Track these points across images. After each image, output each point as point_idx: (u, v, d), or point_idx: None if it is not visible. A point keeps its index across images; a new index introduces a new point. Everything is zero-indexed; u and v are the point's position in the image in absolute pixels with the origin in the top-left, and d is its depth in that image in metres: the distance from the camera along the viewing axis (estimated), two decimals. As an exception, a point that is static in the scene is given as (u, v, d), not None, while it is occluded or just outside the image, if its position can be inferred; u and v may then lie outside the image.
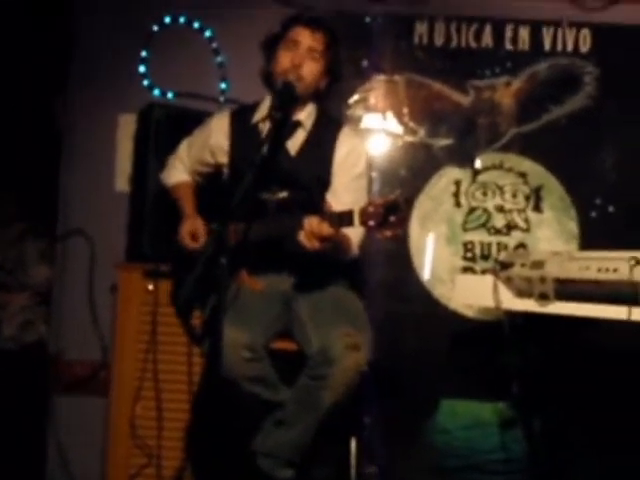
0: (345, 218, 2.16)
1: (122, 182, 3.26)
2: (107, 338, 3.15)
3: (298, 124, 2.51)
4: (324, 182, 2.48)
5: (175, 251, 2.58)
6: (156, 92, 3.29)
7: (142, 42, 3.29)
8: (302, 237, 2.20)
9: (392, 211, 2.07)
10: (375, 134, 3.29)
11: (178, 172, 2.68)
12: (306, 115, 2.52)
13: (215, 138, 2.57)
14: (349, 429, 2.62)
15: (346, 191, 2.41)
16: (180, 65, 3.29)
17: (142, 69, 3.30)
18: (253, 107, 2.57)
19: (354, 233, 2.35)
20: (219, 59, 3.32)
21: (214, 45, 3.32)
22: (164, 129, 2.96)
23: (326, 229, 2.15)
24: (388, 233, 2.10)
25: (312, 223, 2.17)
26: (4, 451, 2.86)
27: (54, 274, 3.25)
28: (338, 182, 2.47)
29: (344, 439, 2.61)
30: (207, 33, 3.32)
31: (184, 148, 2.68)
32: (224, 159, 2.56)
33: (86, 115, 3.30)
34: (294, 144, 2.51)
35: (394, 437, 3.08)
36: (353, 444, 2.60)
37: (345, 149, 2.50)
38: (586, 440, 2.76)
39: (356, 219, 2.13)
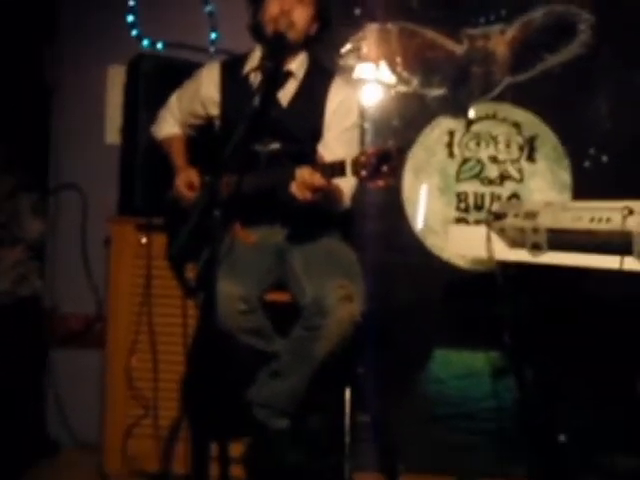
0: (337, 168, 2.15)
1: (112, 135, 3.23)
2: (101, 291, 3.16)
3: (289, 74, 2.48)
4: (316, 133, 2.46)
5: (168, 204, 2.57)
6: (145, 42, 3.24)
7: (130, -9, 3.23)
8: (294, 188, 2.19)
9: (384, 161, 2.06)
10: (368, 84, 3.25)
11: (169, 125, 2.65)
12: (298, 65, 2.49)
13: (206, 89, 2.54)
14: (343, 379, 2.64)
15: (338, 142, 2.40)
16: (169, 15, 3.24)
17: (131, 18, 3.24)
18: (243, 57, 2.53)
19: (346, 184, 2.34)
20: (209, 8, 3.26)
21: (204, -6, 3.26)
22: (154, 80, 2.92)
23: (318, 179, 2.14)
24: (381, 183, 2.09)
25: (304, 174, 2.16)
26: (3, 406, 2.88)
27: (47, 228, 3.24)
28: (330, 133, 2.45)
29: (338, 389, 2.64)
30: (196, -19, 3.26)
31: (175, 100, 2.65)
32: (215, 111, 2.54)
33: (75, 66, 3.26)
34: (285, 95, 2.48)
35: (388, 387, 3.11)
36: (347, 394, 2.63)
37: (337, 100, 2.48)
38: (578, 390, 2.80)
39: (348, 169, 2.12)
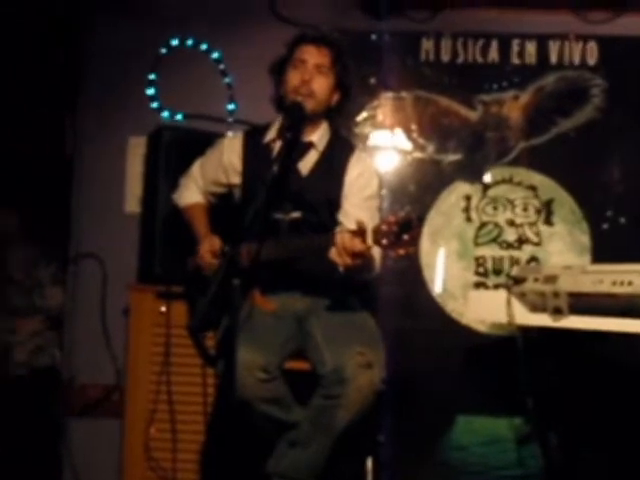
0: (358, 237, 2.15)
1: (132, 204, 3.28)
2: (120, 361, 3.15)
3: (310, 145, 2.52)
4: (334, 203, 2.48)
5: (189, 272, 2.58)
6: (165, 114, 3.31)
7: (150, 65, 3.31)
8: (333, 254, 2.20)
9: (405, 229, 2.07)
10: (384, 151, 3.29)
11: (191, 193, 2.68)
12: (319, 137, 2.53)
13: (228, 157, 2.58)
14: (365, 448, 2.60)
15: (358, 211, 2.40)
16: (188, 87, 3.32)
17: (151, 92, 3.32)
18: (265, 127, 2.58)
19: (376, 252, 2.34)
20: (227, 80, 3.34)
21: (221, 66, 3.34)
22: (173, 151, 2.97)
23: (358, 245, 2.14)
24: (401, 251, 2.09)
25: (344, 239, 2.17)
26: (20, 477, 2.85)
27: (67, 297, 3.26)
28: (349, 203, 2.47)
29: (360, 458, 2.59)
30: (214, 55, 3.34)
31: (197, 168, 2.68)
32: (236, 179, 2.57)
33: (96, 138, 3.33)
34: (306, 165, 2.51)
35: (410, 455, 3.06)
36: (369, 463, 2.59)
37: (357, 171, 2.50)
38: (602, 455, 2.74)
39: (369, 238, 2.13)
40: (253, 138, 2.57)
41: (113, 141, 3.32)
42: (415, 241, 2.09)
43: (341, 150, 2.54)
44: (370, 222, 2.17)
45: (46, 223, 3.19)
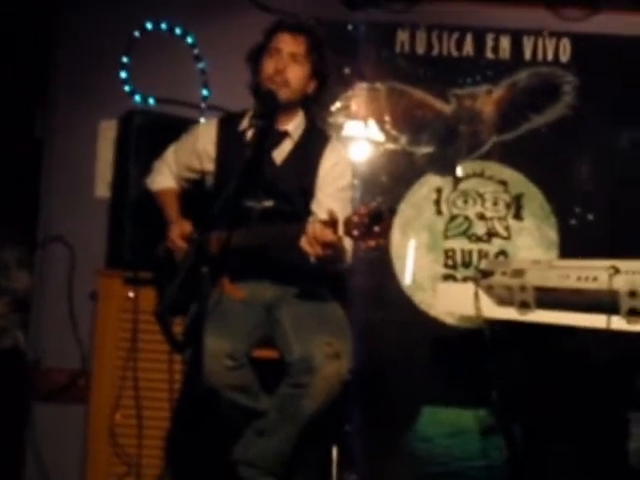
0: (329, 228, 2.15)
1: (102, 188, 3.25)
2: (87, 345, 3.13)
3: (285, 134, 2.51)
4: (307, 193, 2.48)
5: (159, 257, 2.57)
6: (137, 98, 3.28)
7: (123, 48, 3.27)
8: (304, 243, 2.20)
9: (376, 221, 2.07)
10: (357, 142, 3.29)
11: (164, 177, 2.66)
12: (294, 126, 2.53)
13: (202, 143, 2.57)
14: (330, 437, 2.61)
15: (332, 201, 2.39)
16: (161, 71, 3.28)
17: (123, 75, 3.28)
18: (241, 115, 2.57)
19: (347, 242, 2.34)
20: (200, 66, 3.31)
21: (196, 51, 3.31)
22: (145, 135, 2.95)
23: (329, 235, 2.14)
24: (372, 243, 2.09)
25: (315, 228, 2.17)
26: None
27: (34, 281, 3.23)
28: (323, 193, 2.47)
29: (325, 447, 2.60)
30: (189, 39, 3.31)
31: (171, 153, 2.66)
32: (210, 166, 2.56)
33: (67, 121, 3.28)
34: (280, 154, 2.51)
35: (375, 445, 3.08)
36: (334, 452, 2.60)
37: (331, 161, 2.50)
38: (565, 447, 2.78)
39: (340, 229, 2.13)
40: (228, 125, 2.56)
41: (84, 124, 3.28)
42: (386, 233, 2.09)
43: (316, 140, 2.54)
44: (342, 213, 2.17)
45: (14, 206, 3.15)
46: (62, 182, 3.27)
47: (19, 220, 3.20)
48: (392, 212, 2.10)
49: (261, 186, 2.45)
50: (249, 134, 2.49)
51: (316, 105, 2.63)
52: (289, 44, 2.47)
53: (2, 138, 3.10)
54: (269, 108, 2.39)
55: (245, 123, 2.53)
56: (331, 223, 2.15)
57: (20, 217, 3.20)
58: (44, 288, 3.26)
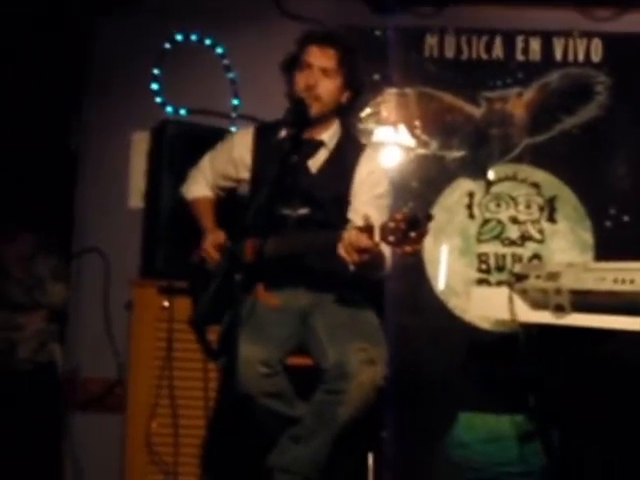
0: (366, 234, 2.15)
1: (136, 199, 3.28)
2: (123, 355, 3.16)
3: (321, 143, 2.52)
4: (343, 201, 2.48)
5: (193, 266, 2.58)
6: (169, 109, 3.31)
7: (154, 60, 3.31)
8: (341, 250, 2.20)
9: (412, 227, 2.06)
10: (387, 147, 3.29)
11: (199, 186, 2.68)
12: (330, 135, 2.54)
13: (238, 152, 2.58)
14: (366, 444, 2.61)
15: (368, 209, 2.36)
16: (192, 82, 3.32)
17: (155, 87, 3.32)
18: (277, 124, 2.57)
19: (386, 250, 2.34)
20: (231, 75, 3.34)
21: (225, 62, 3.34)
22: (177, 146, 2.97)
23: (365, 241, 2.14)
24: (408, 249, 2.08)
25: (351, 235, 2.17)
26: (22, 471, 2.86)
27: (69, 292, 3.26)
28: (359, 200, 2.46)
29: (362, 454, 2.60)
30: (218, 50, 3.34)
31: (207, 162, 2.68)
32: (246, 174, 2.57)
33: (100, 133, 3.33)
34: (315, 162, 2.52)
35: (412, 451, 3.06)
36: (370, 459, 2.59)
37: (367, 169, 2.51)
38: (604, 453, 2.74)
39: (377, 235, 2.12)
40: (264, 134, 2.57)
41: (117, 136, 3.32)
42: (422, 239, 2.08)
43: (352, 148, 2.55)
44: (379, 220, 2.16)
45: (49, 217, 3.19)
46: (96, 193, 3.31)
47: (54, 231, 3.24)
48: (429, 218, 2.09)
49: (297, 194, 2.46)
50: (284, 143, 2.50)
51: (351, 114, 2.63)
52: (319, 58, 2.47)
53: (38, 150, 3.15)
54: (300, 117, 2.40)
55: (282, 133, 2.54)
56: (367, 229, 2.14)
57: (55, 228, 3.24)
58: (80, 299, 3.30)
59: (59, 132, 3.26)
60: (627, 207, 3.22)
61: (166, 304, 2.90)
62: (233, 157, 2.59)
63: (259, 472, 2.37)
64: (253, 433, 2.33)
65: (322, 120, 2.50)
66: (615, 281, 2.14)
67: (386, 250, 2.32)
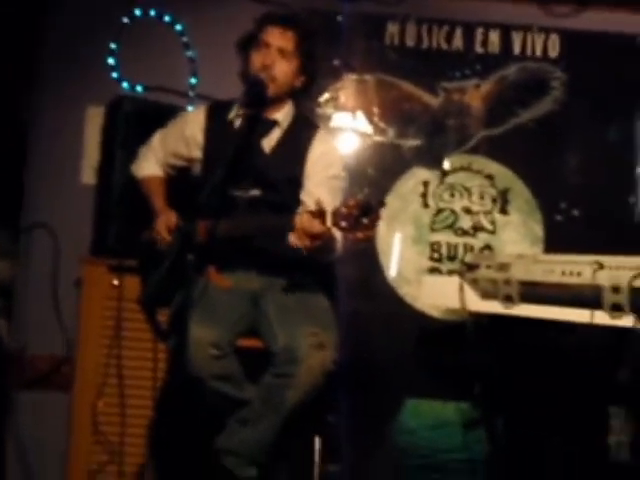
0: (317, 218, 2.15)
1: (89, 175, 3.23)
2: (71, 333, 3.12)
3: (274, 123, 2.51)
4: (296, 182, 2.47)
5: (144, 245, 2.56)
6: (125, 85, 3.26)
7: (112, 34, 3.25)
8: (293, 236, 2.19)
9: (365, 213, 2.07)
10: (344, 133, 3.29)
11: (150, 164, 2.64)
12: (283, 115, 2.52)
13: (191, 130, 2.55)
14: (313, 428, 2.62)
15: (321, 190, 2.37)
16: (150, 59, 3.27)
17: (111, 61, 3.26)
18: (230, 103, 2.55)
19: (337, 233, 2.34)
20: (189, 54, 3.30)
21: (184, 39, 3.30)
22: (132, 122, 2.93)
23: (317, 226, 2.14)
24: (360, 235, 2.09)
25: (303, 220, 2.16)
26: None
27: (17, 268, 3.21)
28: (312, 182, 2.46)
29: (308, 438, 2.61)
30: (178, 27, 3.30)
31: (158, 139, 2.64)
32: (197, 153, 2.55)
33: (54, 105, 3.26)
34: (269, 143, 2.50)
35: (358, 436, 3.09)
36: (317, 443, 2.60)
37: (320, 150, 2.50)
38: (547, 441, 2.79)
39: (328, 220, 2.12)
40: (217, 113, 2.55)
41: (72, 110, 3.26)
42: (374, 225, 2.09)
43: (305, 129, 2.53)
44: (333, 202, 2.17)
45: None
46: (48, 168, 3.25)
47: (2, 206, 3.18)
48: (381, 205, 2.10)
49: (249, 175, 2.44)
50: (237, 123, 2.48)
51: (305, 97, 2.62)
52: (278, 39, 2.45)
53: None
54: (258, 97, 2.38)
55: (234, 112, 2.52)
56: (319, 214, 2.14)
57: (3, 203, 3.18)
58: (28, 275, 3.24)
59: (9, 104, 3.19)
60: (577, 201, 3.28)
61: (116, 282, 2.87)
62: (185, 135, 2.56)
63: (206, 454, 2.36)
64: (201, 415, 2.33)
65: (276, 100, 2.48)
66: (563, 273, 2.18)
67: (337, 233, 2.32)
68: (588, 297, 2.10)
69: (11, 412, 3.16)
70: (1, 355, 3.12)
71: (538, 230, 3.28)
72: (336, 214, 2.11)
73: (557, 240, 3.25)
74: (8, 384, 3.15)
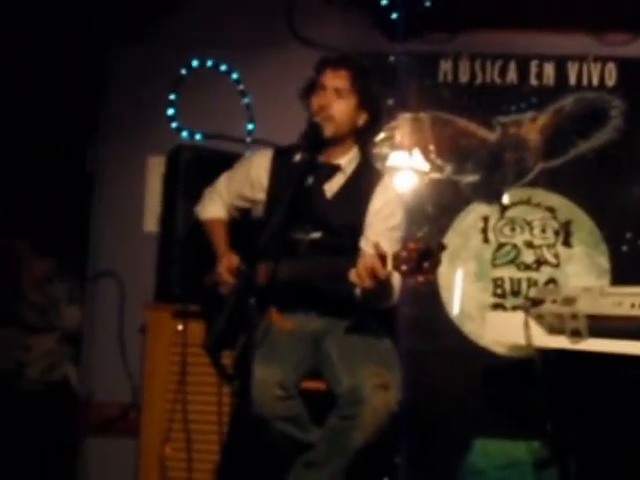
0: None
1: (151, 223, 3.30)
2: (137, 379, 3.16)
3: (338, 168, 2.52)
4: (355, 228, 2.47)
5: (207, 289, 2.58)
6: (184, 134, 3.34)
7: (170, 85, 3.35)
8: (353, 275, 2.20)
9: (426, 257, 2.06)
10: (402, 172, 3.30)
11: (215, 206, 2.67)
12: (347, 160, 2.53)
13: (256, 172, 2.58)
14: (380, 470, 2.58)
15: (381, 239, 2.32)
16: (208, 107, 3.34)
17: (171, 112, 3.35)
18: (295, 147, 2.57)
19: (395, 280, 2.33)
20: (245, 101, 3.37)
21: (240, 87, 3.37)
22: (192, 170, 2.99)
23: (381, 268, 2.14)
24: (420, 279, 2.07)
25: (367, 260, 2.17)
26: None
27: (84, 315, 3.28)
28: (372, 231, 2.45)
29: (376, 480, 2.57)
30: (234, 75, 3.37)
31: (224, 181, 2.67)
32: (261, 195, 2.57)
33: (117, 157, 3.36)
34: (331, 187, 2.52)
35: (427, 478, 3.03)
36: (385, 485, 2.56)
37: (382, 199, 2.49)
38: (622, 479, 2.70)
39: (389, 263, 2.12)
40: (282, 156, 2.57)
41: (133, 160, 3.35)
42: (435, 269, 2.07)
43: (369, 176, 2.54)
44: (390, 251, 2.16)
45: (64, 241, 3.21)
46: (112, 217, 3.34)
47: (69, 255, 3.26)
48: (442, 248, 2.08)
49: (310, 218, 2.46)
50: (300, 167, 2.50)
51: (370, 138, 2.64)
52: (332, 79, 2.48)
53: (54, 173, 3.18)
54: (313, 140, 2.41)
55: (297, 156, 2.54)
56: (380, 257, 2.14)
57: (70, 252, 3.26)
58: (94, 322, 3.31)
59: (74, 157, 3.29)
60: (643, 232, 3.21)
61: (180, 328, 2.90)
62: (250, 177, 2.59)
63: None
64: (267, 458, 2.32)
65: (339, 143, 2.50)
66: (632, 306, 2.12)
67: (395, 280, 2.31)
68: (659, 329, 2.04)
69: (79, 458, 3.20)
70: (70, 401, 3.18)
71: (603, 262, 3.21)
72: (397, 257, 2.11)
73: (624, 271, 3.17)
74: (76, 430, 3.20)
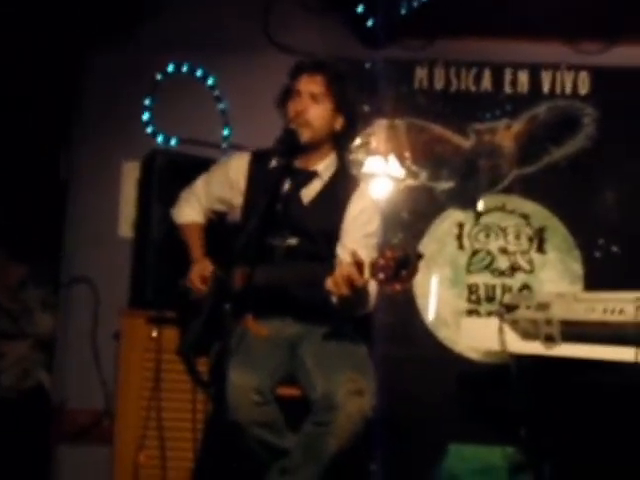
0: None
1: (126, 228, 3.28)
2: (111, 386, 3.13)
3: (315, 174, 2.52)
4: (332, 235, 2.47)
5: (180, 297, 2.57)
6: (160, 139, 3.33)
7: (146, 90, 3.33)
8: (330, 283, 2.19)
9: (403, 266, 2.06)
10: (377, 178, 3.30)
11: (192, 210, 2.64)
12: (325, 166, 2.53)
13: (235, 174, 2.56)
14: (356, 476, 2.58)
15: (357, 247, 2.32)
16: (183, 112, 3.33)
17: (146, 116, 3.33)
18: (272, 152, 2.56)
19: (371, 289, 2.33)
20: (221, 106, 3.36)
21: (216, 92, 3.36)
22: (167, 175, 2.97)
23: (357, 277, 2.14)
24: (397, 287, 2.07)
25: (343, 268, 2.16)
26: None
27: (57, 322, 3.24)
28: (349, 238, 2.45)
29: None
30: (209, 81, 3.36)
31: (201, 184, 2.65)
32: (239, 199, 2.55)
33: (91, 162, 3.34)
34: (308, 193, 2.51)
35: (401, 483, 3.03)
36: (360, 492, 2.56)
37: (359, 206, 2.49)
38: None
39: (366, 271, 2.12)
40: (259, 161, 2.56)
41: (108, 165, 3.33)
42: (412, 278, 2.07)
43: (346, 183, 2.54)
44: (367, 259, 2.16)
45: (38, 247, 3.18)
46: (86, 222, 3.31)
47: (43, 261, 3.23)
48: (419, 257, 2.08)
49: (287, 224, 2.45)
50: (276, 172, 2.50)
51: (348, 142, 2.64)
52: (307, 84, 2.48)
53: (27, 179, 3.15)
54: (290, 146, 2.40)
55: (273, 161, 2.53)
56: (357, 265, 2.14)
57: (44, 258, 3.23)
58: (68, 328, 3.28)
59: (48, 162, 3.26)
60: (616, 238, 3.24)
61: (155, 334, 2.88)
62: (230, 178, 2.57)
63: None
64: (242, 464, 2.31)
65: (317, 149, 2.50)
66: (605, 311, 2.15)
67: (371, 288, 2.31)
68: (632, 334, 2.06)
69: (52, 466, 3.16)
70: (44, 409, 3.14)
71: (577, 268, 3.24)
72: (374, 266, 2.10)
73: (597, 277, 3.20)
74: (49, 438, 3.17)
